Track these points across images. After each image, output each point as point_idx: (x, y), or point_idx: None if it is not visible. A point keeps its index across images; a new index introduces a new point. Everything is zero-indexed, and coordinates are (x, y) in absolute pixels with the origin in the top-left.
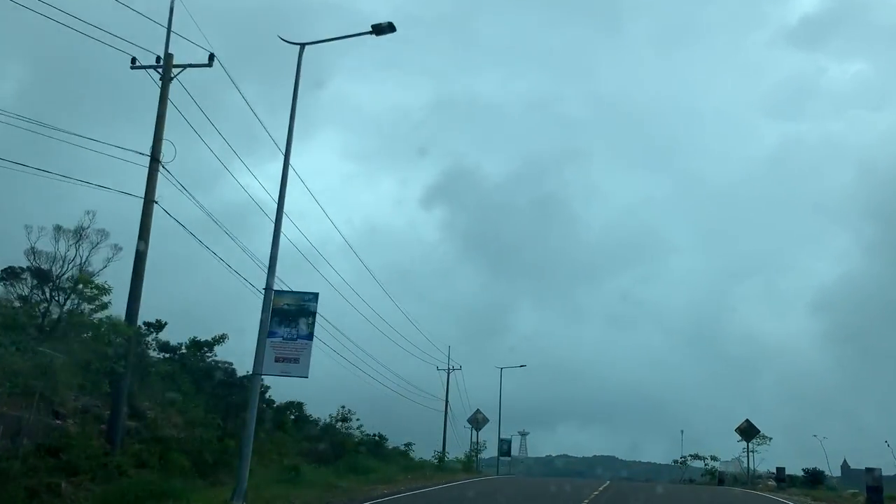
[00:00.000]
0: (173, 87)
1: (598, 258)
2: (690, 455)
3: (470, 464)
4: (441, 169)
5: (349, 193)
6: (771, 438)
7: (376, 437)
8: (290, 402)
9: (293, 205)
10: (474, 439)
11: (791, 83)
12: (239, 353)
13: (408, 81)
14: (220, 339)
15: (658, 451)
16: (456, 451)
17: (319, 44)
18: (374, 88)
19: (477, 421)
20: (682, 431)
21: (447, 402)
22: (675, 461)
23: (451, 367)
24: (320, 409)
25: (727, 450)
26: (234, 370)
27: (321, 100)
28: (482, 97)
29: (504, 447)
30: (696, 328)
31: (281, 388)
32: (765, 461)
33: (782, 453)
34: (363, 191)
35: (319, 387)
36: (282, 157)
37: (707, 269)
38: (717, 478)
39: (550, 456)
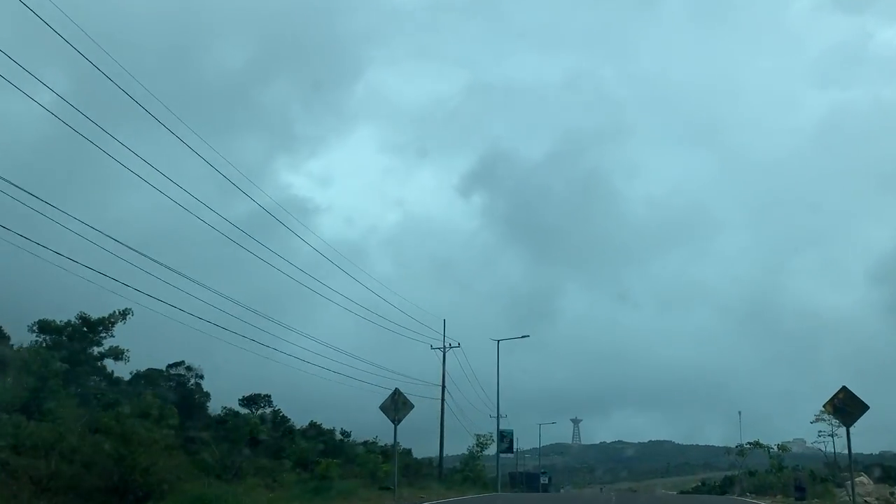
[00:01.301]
0: None
1: (644, 237)
2: (750, 443)
3: (474, 462)
4: (478, 155)
5: (389, 186)
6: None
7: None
8: None
9: (337, 201)
10: (476, 431)
11: (837, 50)
12: None
13: (441, 69)
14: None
15: (716, 434)
16: (461, 447)
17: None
18: (407, 79)
19: (394, 406)
20: (739, 413)
21: (443, 387)
22: (732, 450)
23: (446, 346)
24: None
25: (788, 432)
26: None
27: (356, 94)
28: (517, 80)
29: (505, 443)
30: (750, 306)
31: None
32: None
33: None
34: (402, 182)
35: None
36: (320, 156)
37: (758, 245)
38: (795, 483)
39: (605, 442)
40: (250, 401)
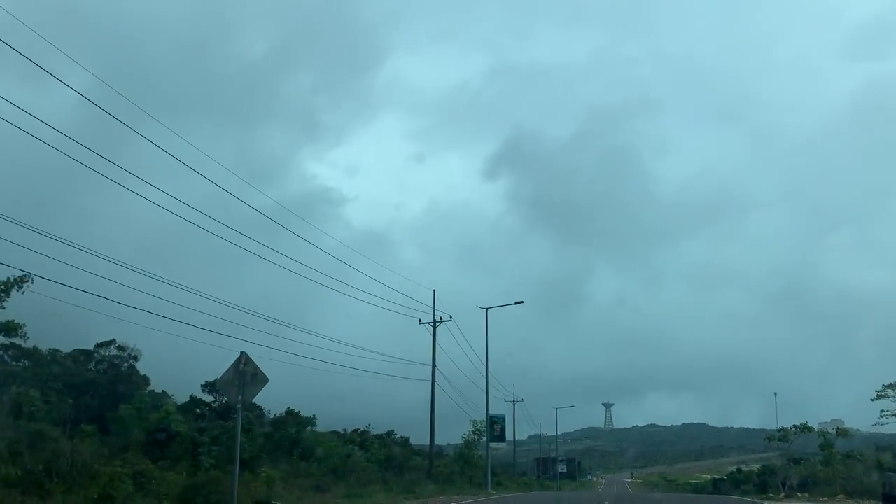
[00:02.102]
0: None
1: (675, 217)
2: (797, 426)
3: (470, 453)
4: (503, 137)
5: (413, 173)
6: None
7: None
8: None
9: (363, 191)
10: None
11: (871, 22)
12: None
13: (464, 53)
14: None
15: (751, 416)
16: (458, 434)
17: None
18: (430, 63)
19: (239, 380)
20: (775, 394)
21: (433, 367)
22: (772, 437)
23: (437, 320)
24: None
25: (826, 413)
26: None
27: (379, 80)
28: (541, 60)
29: (496, 430)
30: (785, 286)
31: None
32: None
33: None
34: (426, 169)
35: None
36: (345, 144)
37: (792, 224)
38: (884, 489)
39: (637, 426)
40: (214, 386)
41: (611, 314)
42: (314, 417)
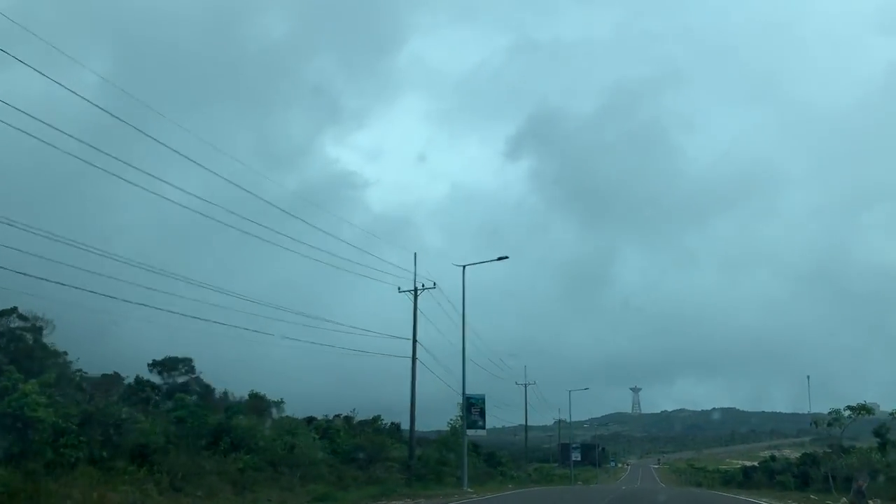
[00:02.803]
0: None
1: (704, 196)
2: (852, 407)
3: (455, 441)
4: (524, 116)
5: (435, 155)
6: None
7: None
8: None
9: (385, 175)
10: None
11: None
12: None
13: (485, 32)
14: None
15: (783, 400)
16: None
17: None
18: (450, 43)
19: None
20: (808, 377)
21: (414, 341)
22: (819, 421)
23: (418, 287)
24: None
25: (861, 396)
26: None
27: (399, 62)
28: (563, 37)
29: (474, 414)
30: (818, 265)
31: None
32: None
33: None
34: (448, 151)
35: None
36: (366, 128)
37: (825, 201)
38: None
39: (665, 411)
40: (165, 366)
41: (638, 296)
42: (281, 401)
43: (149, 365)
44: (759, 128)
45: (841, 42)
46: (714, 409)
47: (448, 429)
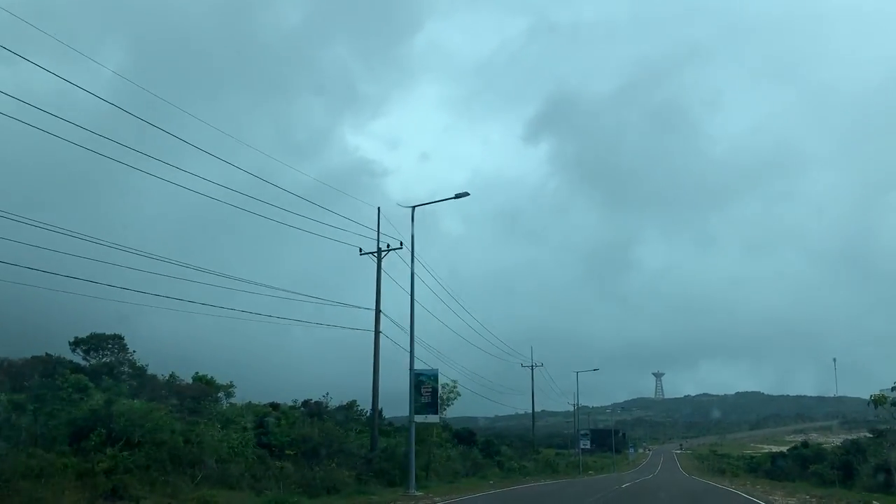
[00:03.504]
0: None
1: (727, 176)
2: None
3: (425, 428)
4: (543, 98)
5: (453, 141)
6: None
7: None
8: None
9: (403, 162)
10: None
11: None
12: None
13: (501, 15)
14: None
15: (808, 384)
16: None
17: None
18: (467, 27)
19: None
20: (834, 360)
21: (378, 311)
22: (881, 400)
23: (382, 249)
24: None
25: (889, 379)
26: None
27: (415, 47)
28: (582, 15)
29: (423, 394)
30: (843, 247)
31: None
32: None
33: None
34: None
35: None
36: (384, 115)
37: (850, 182)
38: None
39: (689, 396)
40: (90, 344)
41: (660, 280)
42: (231, 385)
43: (70, 343)
44: (783, 107)
45: (866, 21)
46: (738, 393)
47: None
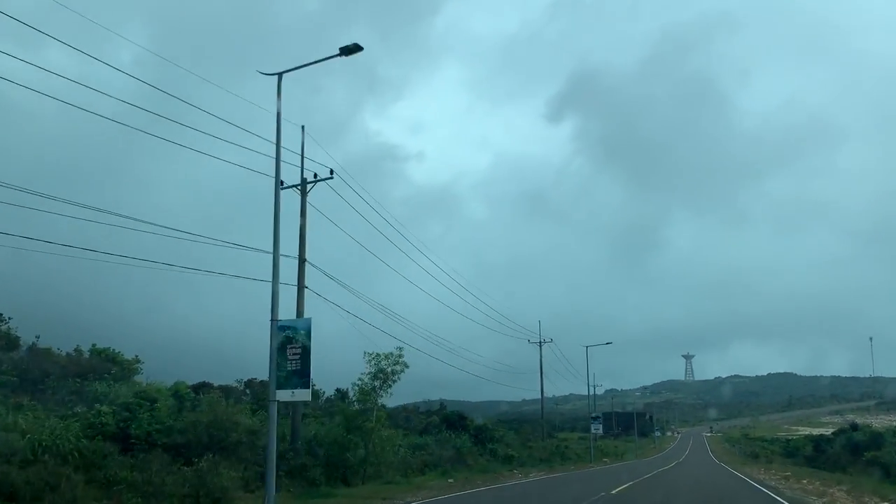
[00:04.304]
0: None
1: (759, 151)
2: None
3: (363, 414)
4: (567, 75)
5: (475, 122)
6: None
7: None
8: None
9: (426, 145)
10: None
11: None
12: None
13: None
14: None
15: (842, 364)
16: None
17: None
18: (488, 6)
19: None
20: (871, 339)
21: (302, 261)
22: None
23: (307, 180)
24: None
25: None
26: None
27: (435, 28)
28: None
29: (292, 358)
30: (879, 222)
31: None
32: None
33: None
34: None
35: None
36: (406, 98)
37: (887, 158)
38: None
39: (720, 377)
40: None
41: (689, 260)
42: (136, 361)
43: None
44: (816, 79)
45: None
46: (770, 374)
47: (354, 394)
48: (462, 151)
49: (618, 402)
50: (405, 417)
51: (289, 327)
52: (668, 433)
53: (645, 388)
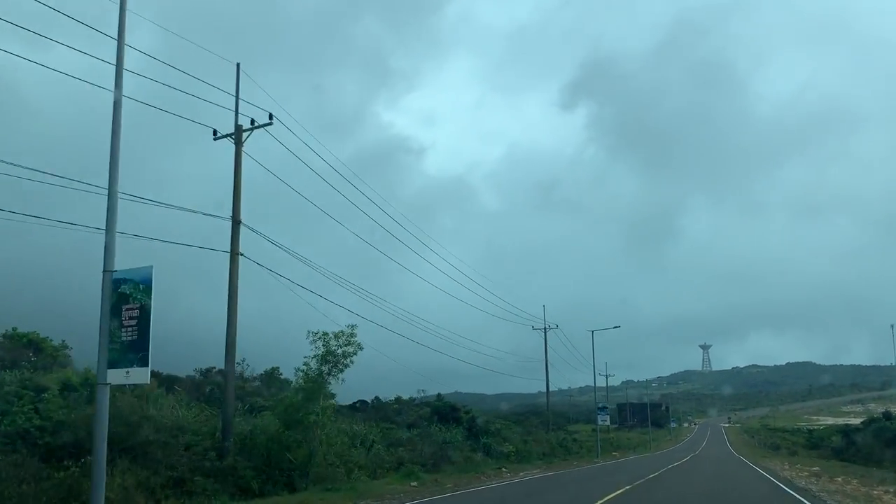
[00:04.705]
0: None
1: (775, 138)
2: None
3: (310, 401)
4: (579, 62)
5: (488, 112)
6: None
7: None
8: None
9: (438, 137)
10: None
11: None
12: None
13: None
14: None
15: (862, 352)
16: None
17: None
18: None
19: None
20: (892, 326)
21: (236, 223)
22: None
23: (243, 127)
24: None
25: None
26: None
27: (446, 19)
28: None
29: (127, 326)
30: None
31: None
32: None
33: None
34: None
35: None
36: (418, 89)
37: None
38: None
39: (737, 367)
40: None
41: (706, 249)
42: (63, 347)
43: None
44: (834, 64)
45: None
46: (788, 363)
47: (299, 380)
48: (474, 142)
49: (627, 395)
50: (396, 410)
51: (123, 280)
52: (686, 424)
53: (662, 378)
